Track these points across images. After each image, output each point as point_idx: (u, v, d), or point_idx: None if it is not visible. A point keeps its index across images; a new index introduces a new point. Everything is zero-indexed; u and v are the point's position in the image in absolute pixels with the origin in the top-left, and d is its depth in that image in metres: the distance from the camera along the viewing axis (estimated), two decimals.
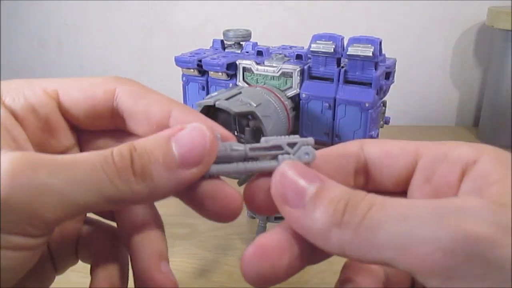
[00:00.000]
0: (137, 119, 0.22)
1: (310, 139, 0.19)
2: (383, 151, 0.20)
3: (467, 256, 0.14)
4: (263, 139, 0.19)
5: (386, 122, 0.44)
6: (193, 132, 0.18)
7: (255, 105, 0.35)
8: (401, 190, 0.21)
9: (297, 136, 0.20)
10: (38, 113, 0.21)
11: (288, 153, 0.19)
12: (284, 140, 0.19)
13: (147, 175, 0.17)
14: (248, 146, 0.19)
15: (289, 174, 0.18)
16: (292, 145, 0.19)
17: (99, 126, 0.23)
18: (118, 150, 0.17)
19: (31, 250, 0.17)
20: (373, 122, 0.39)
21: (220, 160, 0.19)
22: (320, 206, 0.17)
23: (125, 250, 0.23)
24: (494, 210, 0.15)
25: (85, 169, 0.17)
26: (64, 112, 0.22)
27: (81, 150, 0.24)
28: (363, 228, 0.15)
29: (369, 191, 0.17)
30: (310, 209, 0.17)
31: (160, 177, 0.17)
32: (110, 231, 0.25)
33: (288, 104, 0.40)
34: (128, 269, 0.24)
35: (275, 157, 0.19)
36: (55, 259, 0.25)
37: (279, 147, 0.19)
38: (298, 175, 0.18)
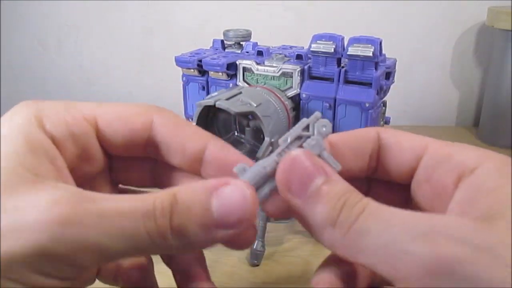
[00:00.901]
0: (172, 150, 0.22)
1: (317, 113, 0.20)
2: (395, 142, 0.21)
3: (440, 275, 0.14)
4: (280, 140, 0.20)
5: (386, 122, 0.44)
6: (235, 193, 0.18)
7: (255, 105, 0.35)
8: (406, 182, 0.21)
9: (303, 119, 0.20)
10: (78, 141, 0.21)
11: (309, 136, 0.19)
12: (298, 129, 0.20)
13: (184, 232, 0.17)
14: (275, 154, 0.19)
15: (300, 160, 0.18)
16: (306, 128, 0.20)
17: (132, 153, 0.23)
18: (161, 203, 0.17)
19: None
20: (373, 122, 0.39)
21: (257, 183, 0.19)
22: (321, 201, 0.17)
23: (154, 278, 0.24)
24: (473, 228, 0.15)
25: (128, 224, 0.17)
26: (101, 140, 0.22)
27: (112, 175, 0.24)
28: (353, 230, 0.16)
29: (378, 178, 0.20)
30: (311, 202, 0.17)
31: (196, 235, 0.17)
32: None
33: (289, 104, 0.40)
34: None
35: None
36: None
37: (299, 137, 0.20)
38: (309, 163, 0.18)
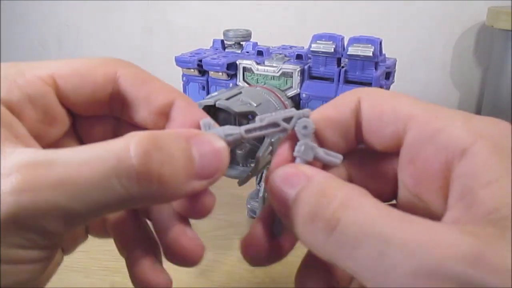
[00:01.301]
0: (137, 105, 0.20)
1: (306, 111, 0.19)
2: (376, 113, 0.18)
3: None
4: (257, 118, 0.19)
5: None
6: (214, 144, 0.17)
7: (255, 105, 0.35)
8: (392, 153, 0.19)
9: (292, 109, 0.19)
10: (37, 103, 0.19)
11: (286, 130, 0.19)
12: (279, 115, 0.19)
13: (164, 181, 0.16)
14: (243, 128, 0.19)
15: (274, 183, 0.18)
16: (288, 119, 0.19)
17: (96, 112, 0.21)
18: (139, 147, 0.15)
19: (41, 262, 0.16)
20: None
21: None
22: (298, 209, 0.17)
23: (145, 222, 0.22)
24: (470, 244, 0.13)
25: (96, 180, 0.15)
26: (62, 99, 0.20)
27: (77, 136, 0.22)
28: (335, 236, 0.15)
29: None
30: (292, 214, 0.17)
31: (176, 184, 0.16)
32: None
33: (289, 104, 0.40)
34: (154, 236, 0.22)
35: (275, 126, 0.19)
36: None
37: (275, 124, 0.19)
38: (281, 183, 0.18)
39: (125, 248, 0.22)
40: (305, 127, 0.18)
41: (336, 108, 0.20)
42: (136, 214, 0.23)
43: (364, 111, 0.19)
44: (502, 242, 0.13)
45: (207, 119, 0.19)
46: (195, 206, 0.19)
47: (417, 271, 0.13)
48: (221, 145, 0.17)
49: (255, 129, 0.19)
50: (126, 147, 0.15)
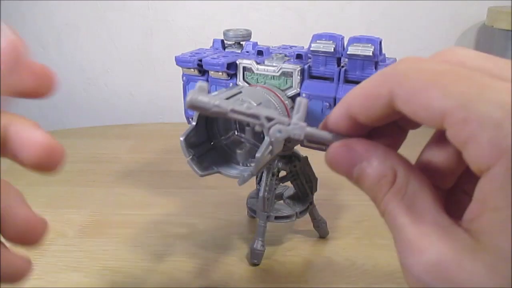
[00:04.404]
0: None
1: (286, 120, 0.19)
2: (410, 110, 0.16)
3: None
4: (245, 104, 0.20)
5: None
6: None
7: (255, 104, 0.35)
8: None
9: (276, 112, 0.20)
10: None
11: (263, 125, 0.19)
12: (263, 112, 0.19)
13: None
14: (231, 106, 0.19)
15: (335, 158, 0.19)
16: (269, 119, 0.19)
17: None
18: None
19: None
20: None
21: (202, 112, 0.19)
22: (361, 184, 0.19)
23: None
24: (436, 253, 0.15)
25: None
26: None
27: None
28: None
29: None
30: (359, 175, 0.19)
31: None
32: None
33: (288, 103, 0.40)
34: None
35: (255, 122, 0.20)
36: None
37: (257, 117, 0.19)
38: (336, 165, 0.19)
39: None
40: (279, 131, 0.19)
41: (372, 104, 0.18)
42: None
43: (399, 107, 0.17)
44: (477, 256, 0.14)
45: (203, 83, 0.20)
46: (39, 89, 0.20)
47: (405, 269, 0.16)
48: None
49: (239, 113, 0.19)
50: None
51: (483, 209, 0.15)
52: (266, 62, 0.41)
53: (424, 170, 0.19)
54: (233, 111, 0.19)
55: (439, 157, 0.19)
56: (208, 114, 0.19)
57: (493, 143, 0.14)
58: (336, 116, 0.20)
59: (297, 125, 0.19)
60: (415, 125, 0.20)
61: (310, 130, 0.20)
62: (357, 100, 0.18)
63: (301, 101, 0.20)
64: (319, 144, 0.21)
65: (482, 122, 0.14)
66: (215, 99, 0.19)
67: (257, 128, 0.19)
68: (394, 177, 0.18)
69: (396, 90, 0.17)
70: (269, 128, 0.19)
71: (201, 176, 0.35)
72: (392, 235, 0.17)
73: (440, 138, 0.20)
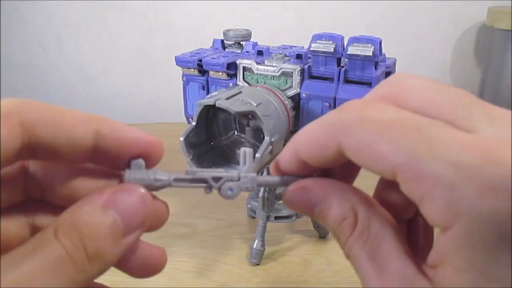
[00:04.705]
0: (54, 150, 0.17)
1: (235, 175, 0.19)
2: (359, 162, 0.16)
3: None
4: (189, 170, 0.19)
5: None
6: (131, 197, 0.17)
7: (255, 104, 0.35)
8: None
9: (222, 170, 0.19)
10: None
11: (212, 187, 0.19)
12: (208, 174, 0.19)
13: (100, 255, 0.16)
14: (173, 176, 0.19)
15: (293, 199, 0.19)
16: (217, 179, 0.19)
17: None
18: (69, 242, 0.15)
19: None
20: None
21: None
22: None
23: None
24: None
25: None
26: None
27: None
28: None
29: None
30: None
31: (110, 253, 0.16)
32: None
33: (288, 103, 0.40)
34: None
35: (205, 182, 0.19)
36: None
37: (203, 180, 0.19)
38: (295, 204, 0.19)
39: None
40: (230, 189, 0.19)
41: (320, 151, 0.18)
42: None
43: (349, 157, 0.16)
44: None
45: (138, 161, 0.18)
46: (153, 223, 0.19)
47: None
48: (140, 196, 0.17)
49: (184, 180, 0.19)
50: (59, 248, 0.15)
51: (444, 261, 0.14)
52: (266, 62, 0.41)
53: (383, 204, 0.18)
54: (176, 180, 0.19)
55: (396, 192, 0.19)
56: (154, 189, 0.18)
57: (449, 205, 0.13)
58: (286, 159, 0.19)
59: (247, 178, 0.19)
60: None
61: (262, 179, 0.19)
62: (305, 147, 0.18)
63: (245, 151, 0.19)
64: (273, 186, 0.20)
65: (434, 183, 0.14)
66: (151, 173, 0.18)
67: (207, 192, 0.19)
68: (355, 218, 0.17)
69: (345, 143, 0.16)
70: (219, 189, 0.19)
71: None
72: (359, 278, 0.17)
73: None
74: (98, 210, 0.16)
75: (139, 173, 0.18)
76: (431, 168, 0.14)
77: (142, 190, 0.17)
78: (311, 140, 0.18)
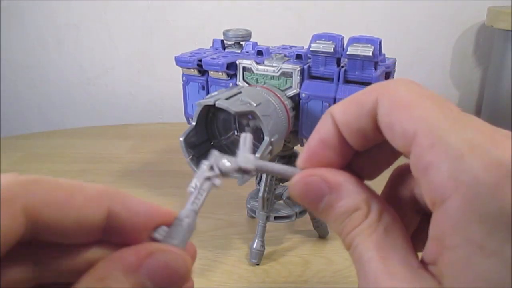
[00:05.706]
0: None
1: (215, 152, 0.19)
2: (387, 123, 0.17)
3: None
4: (190, 188, 0.19)
5: None
6: (170, 263, 0.16)
7: (255, 104, 0.35)
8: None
9: (203, 162, 0.19)
10: None
11: (217, 176, 0.19)
12: (202, 174, 0.19)
13: None
14: (190, 206, 0.18)
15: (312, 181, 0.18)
16: (210, 169, 0.19)
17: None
18: None
19: None
20: None
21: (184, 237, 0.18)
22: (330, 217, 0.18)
23: None
24: None
25: None
26: None
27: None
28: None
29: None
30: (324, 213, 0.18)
31: None
32: None
33: (288, 103, 0.40)
34: None
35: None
36: None
37: (207, 179, 0.19)
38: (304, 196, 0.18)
39: None
40: (226, 161, 0.19)
41: (355, 110, 0.18)
42: None
43: (378, 117, 0.17)
44: None
45: (161, 229, 0.17)
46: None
47: None
48: (178, 264, 0.17)
49: (197, 198, 0.19)
50: None
51: (441, 247, 0.14)
52: (266, 62, 0.41)
53: (392, 205, 0.19)
54: (194, 203, 0.18)
55: (405, 191, 0.19)
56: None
57: (452, 174, 0.14)
58: (321, 124, 0.19)
59: (244, 157, 0.19)
60: (381, 167, 0.20)
61: (262, 162, 0.20)
62: (342, 105, 0.18)
63: (246, 136, 0.20)
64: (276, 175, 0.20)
65: (446, 152, 0.14)
66: (181, 217, 0.18)
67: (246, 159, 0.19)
68: (368, 210, 0.17)
69: (381, 99, 0.17)
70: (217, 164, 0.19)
71: None
72: (356, 269, 0.17)
73: (403, 173, 0.20)
74: (130, 274, 0.15)
75: (172, 240, 0.18)
76: (447, 138, 0.14)
77: (180, 251, 0.17)
78: (351, 98, 0.18)
